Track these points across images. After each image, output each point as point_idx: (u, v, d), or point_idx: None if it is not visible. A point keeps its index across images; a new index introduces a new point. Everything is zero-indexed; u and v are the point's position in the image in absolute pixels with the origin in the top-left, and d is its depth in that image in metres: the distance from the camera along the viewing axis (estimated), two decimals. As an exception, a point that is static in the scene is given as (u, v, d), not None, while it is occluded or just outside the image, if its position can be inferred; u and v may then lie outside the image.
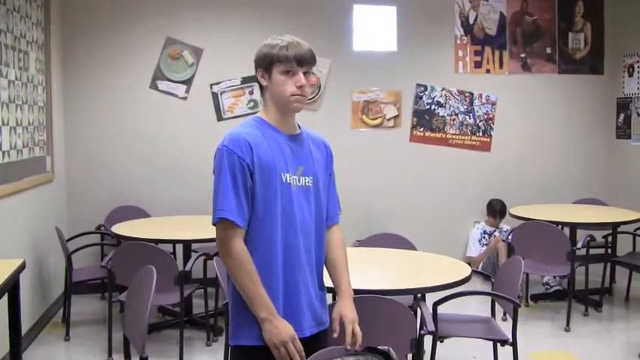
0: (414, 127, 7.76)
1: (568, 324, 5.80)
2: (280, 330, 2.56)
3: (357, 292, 3.49)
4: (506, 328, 4.33)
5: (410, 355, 3.72)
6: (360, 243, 5.29)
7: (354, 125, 7.62)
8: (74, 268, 5.71)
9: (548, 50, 8.08)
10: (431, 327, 3.84)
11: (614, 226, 6.60)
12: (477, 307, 5.34)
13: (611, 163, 8.19)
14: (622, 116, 8.08)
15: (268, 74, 2.68)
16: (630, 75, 7.92)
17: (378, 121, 7.67)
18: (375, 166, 7.68)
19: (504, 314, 5.31)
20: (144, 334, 3.28)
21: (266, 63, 2.67)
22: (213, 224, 2.59)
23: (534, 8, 8.02)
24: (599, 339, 5.68)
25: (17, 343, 3.48)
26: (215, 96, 7.25)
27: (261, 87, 2.73)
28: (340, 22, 7.53)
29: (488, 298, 4.71)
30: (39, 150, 5.93)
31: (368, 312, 3.46)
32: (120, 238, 5.46)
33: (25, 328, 4.99)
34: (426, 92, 7.78)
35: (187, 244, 5.73)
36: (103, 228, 6.65)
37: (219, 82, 7.21)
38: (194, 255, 5.42)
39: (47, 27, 6.23)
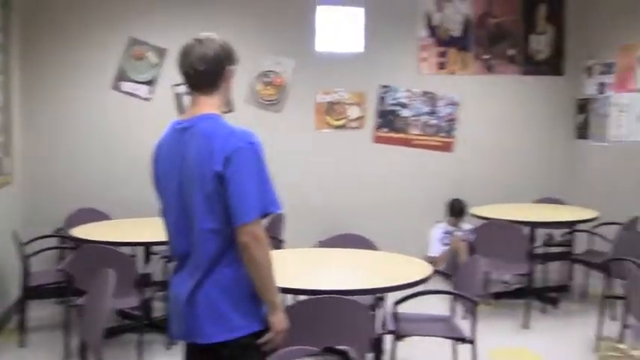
0: (377, 127, 7.80)
1: (527, 321, 5.90)
2: (285, 319, 2.74)
3: (317, 292, 3.53)
4: (466, 327, 4.38)
5: (370, 355, 3.75)
6: (322, 243, 5.30)
7: (318, 126, 7.64)
8: (33, 272, 5.59)
9: (512, 52, 8.16)
10: (390, 326, 3.87)
11: (572, 224, 6.70)
12: (438, 306, 5.38)
13: (570, 163, 8.29)
14: (581, 117, 8.19)
15: (231, 74, 2.79)
16: (590, 76, 8.03)
17: (342, 122, 7.70)
18: (339, 166, 7.71)
19: (465, 313, 5.35)
20: (101, 338, 3.27)
21: (236, 62, 2.79)
22: (255, 218, 2.58)
23: (498, 10, 8.09)
24: (557, 335, 5.77)
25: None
26: (178, 97, 7.23)
27: (219, 85, 2.76)
28: (304, 23, 7.55)
29: (450, 297, 4.76)
30: (-3, 152, 5.86)
31: (328, 312, 3.49)
32: (79, 242, 5.36)
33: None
34: (390, 93, 7.82)
35: (148, 247, 5.69)
36: (62, 231, 6.55)
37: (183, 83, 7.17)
38: (155, 258, 5.39)
39: (7, 28, 6.18)
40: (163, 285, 5.57)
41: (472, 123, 8.02)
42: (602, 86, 7.83)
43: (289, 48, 7.47)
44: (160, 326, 5.75)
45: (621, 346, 1.77)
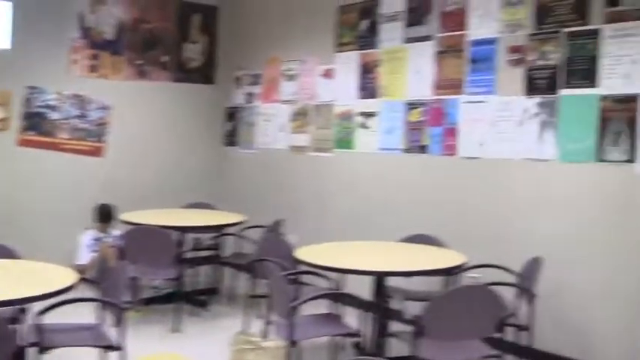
0: (23, 130, 7.41)
1: (177, 325, 5.99)
2: None
3: None
4: (116, 334, 4.32)
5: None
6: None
7: (-44, 127, 7.08)
8: None
9: (165, 58, 8.25)
10: (33, 338, 3.70)
11: (220, 228, 6.91)
12: (88, 315, 5.23)
13: (219, 169, 8.62)
14: (231, 124, 8.54)
15: None
16: (239, 86, 8.42)
17: (-17, 123, 7.21)
18: (-21, 171, 7.21)
19: (115, 320, 5.28)
20: None
21: None
22: None
23: (152, 16, 8.13)
24: (207, 337, 5.93)
25: None
26: None
27: None
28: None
29: (99, 305, 4.67)
30: None
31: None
32: None
33: None
34: (38, 95, 7.48)
35: None
36: None
37: None
38: None
39: None
40: None
41: (124, 128, 7.97)
42: (250, 96, 8.25)
43: None
44: None
45: (253, 338, 1.88)
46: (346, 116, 6.96)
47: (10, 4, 7.21)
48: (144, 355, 5.25)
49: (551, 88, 5.27)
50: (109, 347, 4.30)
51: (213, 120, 8.59)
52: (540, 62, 5.34)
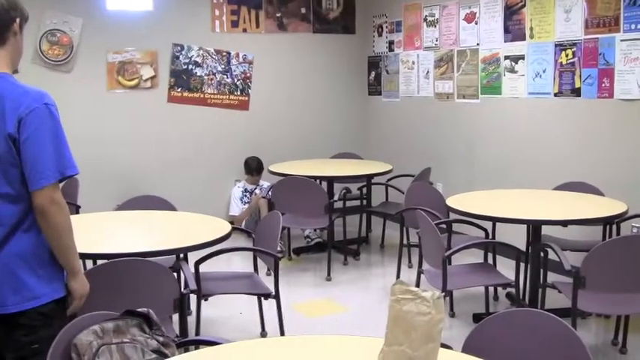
0: (171, 87, 7.61)
1: (329, 273, 6.01)
2: (86, 283, 2.67)
3: (115, 256, 3.39)
4: (269, 282, 4.39)
5: (175, 316, 3.67)
6: (120, 207, 5.11)
7: (111, 87, 7.32)
8: None
9: (303, 10, 8.21)
10: (193, 286, 3.80)
11: (368, 178, 6.91)
12: (241, 264, 5.36)
13: (364, 119, 8.55)
14: (373, 74, 8.45)
15: (20, 28, 2.59)
16: (380, 35, 8.29)
17: (135, 82, 7.43)
18: (134, 128, 7.45)
19: (268, 269, 5.38)
20: None
21: (24, 16, 2.60)
22: (53, 182, 2.46)
23: (287, -32, 8.11)
24: (358, 285, 5.94)
25: None
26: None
27: (7, 38, 2.54)
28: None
29: (252, 255, 4.76)
30: None
31: (127, 276, 3.36)
32: None
33: None
34: (183, 52, 7.64)
35: None
36: None
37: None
38: None
39: None
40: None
41: (267, 81, 8.03)
42: (391, 44, 8.10)
43: (76, 5, 7.06)
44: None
45: (412, 288, 1.82)
46: (492, 61, 6.71)
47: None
48: (299, 302, 5.35)
49: None
50: (265, 295, 4.36)
51: (355, 70, 8.51)
52: None
